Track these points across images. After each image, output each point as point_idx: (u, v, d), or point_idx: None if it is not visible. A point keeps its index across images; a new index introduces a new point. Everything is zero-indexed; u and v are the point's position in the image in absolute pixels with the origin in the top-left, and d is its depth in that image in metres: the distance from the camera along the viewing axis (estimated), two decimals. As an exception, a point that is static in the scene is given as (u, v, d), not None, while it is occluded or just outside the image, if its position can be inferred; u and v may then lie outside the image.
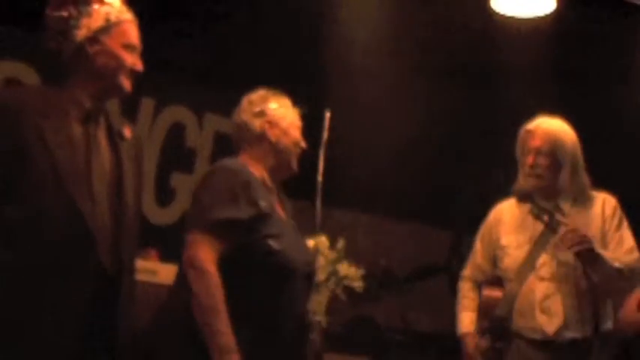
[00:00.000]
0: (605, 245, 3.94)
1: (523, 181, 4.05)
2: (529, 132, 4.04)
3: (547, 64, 5.05)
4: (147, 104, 6.12)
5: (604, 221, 3.98)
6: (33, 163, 2.79)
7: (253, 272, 3.12)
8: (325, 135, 3.96)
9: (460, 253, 7.79)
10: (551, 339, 3.88)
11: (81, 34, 2.94)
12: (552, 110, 4.11)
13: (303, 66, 5.53)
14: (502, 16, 3.97)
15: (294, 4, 4.91)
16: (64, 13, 2.93)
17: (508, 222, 4.14)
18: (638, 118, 5.72)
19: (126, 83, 3.01)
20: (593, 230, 3.94)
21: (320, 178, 3.89)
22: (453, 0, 4.51)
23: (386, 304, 7.69)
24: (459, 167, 6.92)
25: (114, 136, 3.01)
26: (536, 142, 3.99)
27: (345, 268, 4.34)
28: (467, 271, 4.31)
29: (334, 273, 4.13)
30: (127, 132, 3.07)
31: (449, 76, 5.66)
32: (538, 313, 3.91)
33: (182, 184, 6.38)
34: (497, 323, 3.98)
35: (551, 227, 3.88)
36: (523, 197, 4.04)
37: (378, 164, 6.45)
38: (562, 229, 3.82)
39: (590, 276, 3.78)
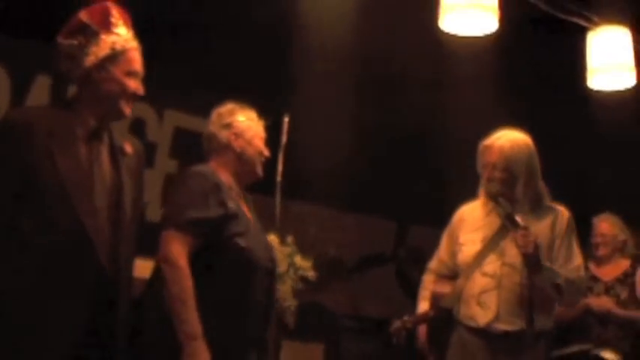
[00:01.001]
0: (552, 257, 4.19)
1: (485, 187, 4.33)
2: (486, 147, 4.29)
3: (493, 78, 5.33)
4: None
5: (555, 234, 4.23)
6: (42, 179, 3.04)
7: (221, 266, 3.43)
8: (284, 138, 4.30)
9: (405, 242, 8.15)
10: (484, 329, 4.15)
11: (89, 61, 3.16)
12: (500, 120, 4.38)
13: (263, 69, 5.77)
14: (449, 35, 4.27)
15: (260, 11, 5.14)
16: (75, 42, 3.16)
17: (469, 222, 4.41)
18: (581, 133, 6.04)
19: (126, 108, 3.26)
20: (543, 240, 4.17)
21: (279, 178, 4.23)
22: (405, 18, 4.80)
23: (336, 292, 7.97)
24: (406, 164, 7.19)
25: (115, 152, 3.26)
26: (492, 158, 4.25)
27: (299, 260, 4.66)
28: (432, 264, 4.60)
29: (292, 264, 4.46)
30: (128, 148, 3.32)
31: (400, 84, 5.94)
32: (474, 305, 4.19)
33: (144, 177, 6.61)
34: (442, 313, 4.31)
35: (506, 227, 4.16)
36: (491, 197, 4.30)
37: (329, 161, 6.70)
38: (519, 230, 4.05)
39: (532, 278, 4.00)
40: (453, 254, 4.41)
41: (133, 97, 3.27)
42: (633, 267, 5.66)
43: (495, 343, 4.12)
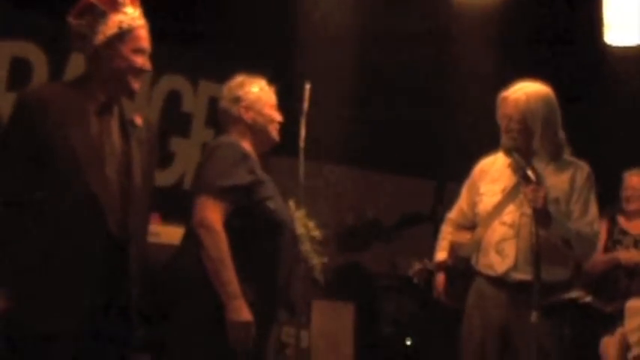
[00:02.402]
0: (569, 211, 4.27)
1: (503, 140, 4.40)
2: (503, 99, 4.36)
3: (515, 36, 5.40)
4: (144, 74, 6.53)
5: (573, 188, 4.30)
6: (55, 151, 3.23)
7: (254, 228, 3.64)
8: (306, 105, 4.43)
9: (443, 201, 8.24)
10: (501, 277, 4.26)
11: (97, 39, 3.33)
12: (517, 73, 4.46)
13: (285, 37, 5.91)
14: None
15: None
16: (83, 21, 3.35)
17: (489, 173, 4.49)
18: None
19: (135, 84, 3.43)
20: (561, 193, 4.27)
21: (302, 144, 4.37)
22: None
23: (375, 253, 8.14)
24: (440, 122, 7.28)
25: (125, 125, 3.45)
26: (507, 110, 4.33)
27: (308, 223, 4.83)
28: (451, 214, 4.69)
29: (305, 226, 4.64)
30: (138, 120, 3.50)
31: (422, 36, 6.02)
32: (493, 254, 4.29)
33: (180, 147, 6.81)
34: (459, 263, 4.44)
35: (523, 181, 4.22)
36: (506, 151, 4.39)
37: (363, 123, 6.82)
38: (529, 185, 4.13)
39: (538, 232, 4.06)
40: (474, 205, 4.50)
41: (141, 73, 3.44)
42: (661, 221, 5.77)
43: (512, 292, 4.22)
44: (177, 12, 5.98)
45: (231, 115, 3.84)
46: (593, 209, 4.34)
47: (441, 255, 4.61)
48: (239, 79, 3.90)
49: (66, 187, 3.23)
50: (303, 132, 4.38)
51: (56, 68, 6.12)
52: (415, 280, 4.63)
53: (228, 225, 3.56)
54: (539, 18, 5.25)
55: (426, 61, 6.20)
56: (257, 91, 3.86)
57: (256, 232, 3.64)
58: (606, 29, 4.90)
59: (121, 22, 3.35)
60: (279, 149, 4.04)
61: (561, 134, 4.42)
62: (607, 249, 5.77)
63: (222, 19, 6.19)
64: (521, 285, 4.16)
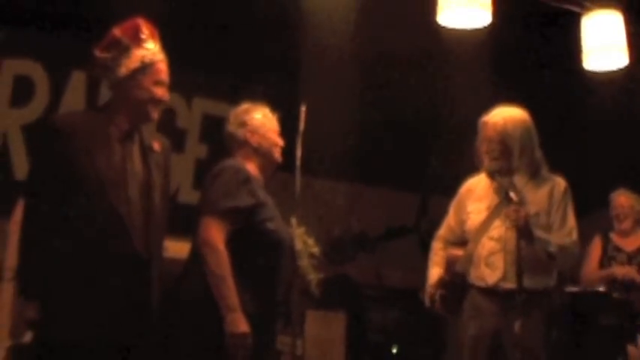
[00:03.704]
0: (549, 223, 4.58)
1: (486, 163, 4.73)
2: (483, 123, 4.72)
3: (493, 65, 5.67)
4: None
5: (551, 202, 4.62)
6: (83, 175, 3.47)
7: (255, 247, 3.88)
8: (302, 126, 4.66)
9: (427, 213, 8.50)
10: (492, 288, 4.54)
11: (121, 72, 3.60)
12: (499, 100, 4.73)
13: (282, 57, 6.12)
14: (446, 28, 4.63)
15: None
16: (109, 55, 3.61)
17: (475, 192, 4.81)
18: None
19: (154, 113, 3.69)
20: (541, 207, 4.59)
21: (298, 163, 4.59)
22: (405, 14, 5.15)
23: (361, 264, 8.38)
24: (425, 139, 7.56)
25: (145, 150, 3.69)
26: (488, 133, 4.68)
27: (308, 240, 5.04)
28: (440, 232, 4.99)
29: (305, 243, 4.87)
30: (157, 146, 3.75)
31: (415, 64, 6.27)
32: (483, 266, 4.59)
33: (175, 162, 6.92)
34: (456, 277, 4.71)
35: (505, 200, 4.53)
36: (489, 174, 4.73)
37: (352, 140, 7.03)
38: (512, 205, 4.43)
39: (520, 247, 4.36)
40: (462, 222, 4.80)
41: (160, 103, 3.70)
42: (652, 237, 6.10)
43: (504, 301, 4.48)
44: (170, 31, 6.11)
45: (238, 139, 4.09)
46: (571, 219, 4.64)
47: (436, 271, 4.86)
48: (244, 106, 4.18)
49: (92, 208, 3.46)
50: (299, 152, 4.59)
51: (57, 86, 6.31)
52: (431, 305, 4.83)
53: (231, 243, 3.80)
54: (522, 43, 5.49)
55: (415, 82, 6.44)
56: (261, 117, 4.13)
57: (257, 251, 3.88)
58: (585, 55, 5.15)
59: (143, 56, 3.61)
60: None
61: (538, 153, 4.73)
62: (602, 265, 6.09)
63: (217, 38, 6.37)
64: (511, 294, 4.41)
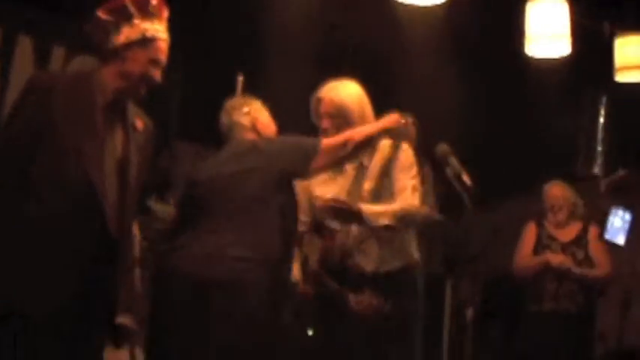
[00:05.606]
0: (392, 189, 4.32)
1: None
2: (318, 100, 4.46)
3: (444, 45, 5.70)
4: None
5: (394, 167, 4.31)
6: (58, 137, 3.27)
7: None
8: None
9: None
10: (372, 274, 4.30)
11: (119, 39, 3.41)
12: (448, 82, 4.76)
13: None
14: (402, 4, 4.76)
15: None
16: (112, 19, 3.43)
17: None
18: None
19: (142, 90, 3.50)
20: (379, 171, 4.32)
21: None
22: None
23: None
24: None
25: (127, 127, 3.47)
26: (325, 108, 4.41)
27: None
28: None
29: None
30: (139, 124, 3.55)
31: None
32: (356, 254, 4.37)
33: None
34: (333, 267, 4.42)
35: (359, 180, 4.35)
36: None
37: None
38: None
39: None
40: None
41: (151, 82, 3.48)
42: (585, 228, 6.11)
43: (380, 284, 4.31)
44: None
45: (245, 126, 4.17)
46: (412, 184, 4.35)
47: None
48: (239, 99, 4.39)
49: (65, 175, 3.28)
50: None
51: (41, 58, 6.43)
52: None
53: None
54: (466, 27, 5.53)
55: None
56: (259, 107, 4.26)
57: None
58: (528, 41, 5.22)
59: (146, 29, 3.44)
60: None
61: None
62: (536, 253, 6.08)
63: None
64: (389, 276, 4.32)
